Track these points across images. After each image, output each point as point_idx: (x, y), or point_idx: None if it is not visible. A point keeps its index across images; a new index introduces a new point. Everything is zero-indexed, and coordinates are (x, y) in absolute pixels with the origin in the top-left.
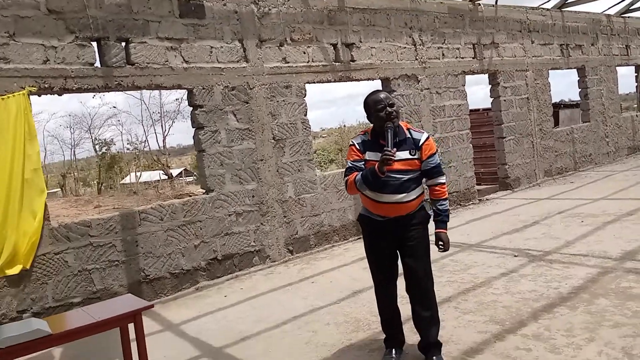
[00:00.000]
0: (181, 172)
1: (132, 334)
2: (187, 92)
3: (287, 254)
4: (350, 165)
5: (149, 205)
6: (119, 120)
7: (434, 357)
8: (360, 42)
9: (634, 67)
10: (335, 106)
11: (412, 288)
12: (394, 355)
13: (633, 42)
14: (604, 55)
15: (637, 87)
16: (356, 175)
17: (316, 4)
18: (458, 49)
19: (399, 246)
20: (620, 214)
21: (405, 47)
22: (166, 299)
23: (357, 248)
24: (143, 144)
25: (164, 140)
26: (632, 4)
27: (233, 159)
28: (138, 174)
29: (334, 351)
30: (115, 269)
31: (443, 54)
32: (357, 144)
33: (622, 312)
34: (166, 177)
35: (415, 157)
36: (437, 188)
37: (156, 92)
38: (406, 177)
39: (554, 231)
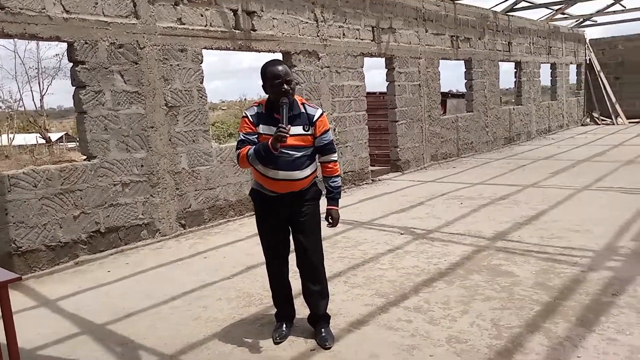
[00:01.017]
0: (62, 136)
1: None
2: (67, 46)
3: (179, 228)
4: (243, 137)
5: (20, 170)
6: None
7: (322, 329)
8: (262, 11)
9: (514, 63)
10: (236, 78)
11: (303, 263)
12: (284, 329)
13: (515, 40)
14: (489, 50)
15: (515, 82)
16: (249, 149)
17: None
18: (358, 30)
19: (290, 222)
20: (495, 198)
21: (307, 22)
22: (41, 274)
23: (252, 223)
24: (17, 102)
25: (41, 100)
26: (515, 3)
27: (119, 124)
28: (11, 136)
29: (224, 326)
30: None
31: (344, 34)
32: (251, 115)
33: (492, 287)
34: (44, 141)
35: (308, 132)
36: (329, 165)
37: (33, 44)
38: (299, 153)
39: (437, 211)
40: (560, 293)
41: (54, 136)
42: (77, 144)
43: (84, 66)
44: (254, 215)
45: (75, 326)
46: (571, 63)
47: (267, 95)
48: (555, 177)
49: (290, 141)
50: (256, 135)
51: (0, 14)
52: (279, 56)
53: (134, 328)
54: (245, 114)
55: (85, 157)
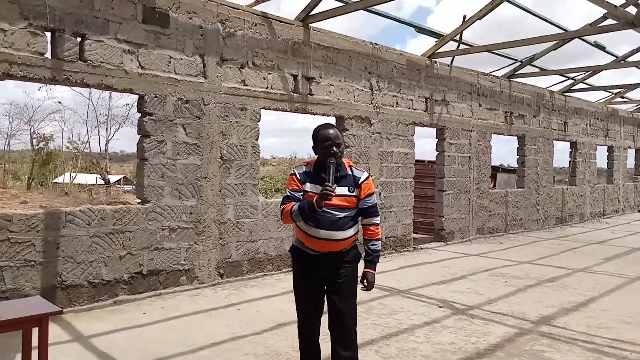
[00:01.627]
0: (120, 179)
1: (36, 341)
2: (138, 98)
3: (217, 277)
4: (289, 194)
5: (77, 208)
6: (62, 117)
7: None
8: (321, 77)
9: (569, 143)
10: (290, 136)
11: (335, 326)
12: None
13: (570, 120)
14: (544, 128)
15: (570, 162)
16: (293, 205)
17: (282, 34)
18: (411, 100)
19: (327, 282)
20: (542, 279)
21: (362, 90)
22: (80, 309)
23: (289, 279)
24: (84, 144)
25: (106, 144)
26: (573, 84)
27: (176, 173)
28: (73, 174)
29: None
30: (30, 269)
31: (397, 103)
32: (299, 173)
33: None
34: (103, 182)
35: (353, 194)
36: (371, 227)
37: (106, 93)
38: (343, 214)
39: (479, 287)
40: None
41: (112, 178)
42: (134, 187)
43: (151, 117)
44: (292, 272)
45: None
46: (629, 147)
47: (316, 156)
48: (608, 263)
49: (334, 201)
50: (302, 193)
51: (82, 65)
52: (332, 120)
53: None
54: (294, 171)
55: (139, 200)
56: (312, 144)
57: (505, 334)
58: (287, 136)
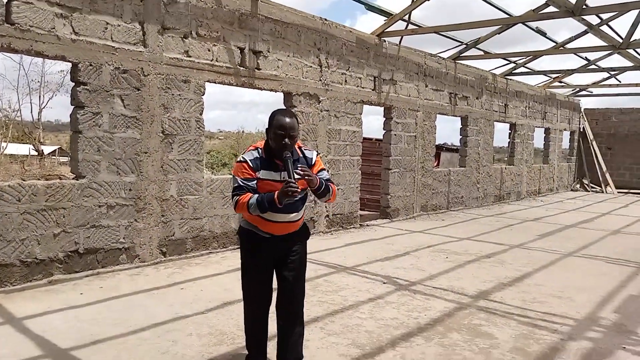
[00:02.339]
0: (55, 150)
1: None
2: (71, 66)
3: (159, 255)
4: (241, 183)
5: (6, 183)
6: None
7: None
8: (269, 51)
9: (509, 124)
10: (237, 110)
11: (286, 303)
12: None
13: (511, 103)
14: (486, 109)
15: (509, 143)
16: (250, 197)
17: (228, 4)
18: (360, 78)
19: (278, 261)
20: (480, 255)
21: (311, 66)
22: (12, 289)
23: (235, 257)
24: (15, 112)
25: (39, 113)
26: (514, 68)
27: (113, 147)
28: (3, 144)
29: None
30: None
31: (346, 80)
32: (250, 160)
33: (470, 347)
34: (36, 153)
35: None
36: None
37: (39, 59)
38: (299, 196)
39: (421, 263)
40: None
41: (47, 149)
42: (69, 160)
43: (86, 87)
44: (240, 252)
45: (38, 348)
46: (565, 129)
47: (263, 139)
48: (542, 239)
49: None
50: (255, 181)
51: (9, 29)
52: (280, 95)
53: (98, 356)
54: (244, 158)
55: (74, 175)
56: (267, 127)
57: (445, 309)
58: (234, 109)
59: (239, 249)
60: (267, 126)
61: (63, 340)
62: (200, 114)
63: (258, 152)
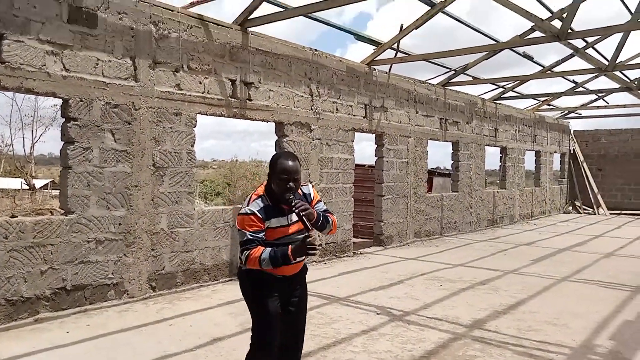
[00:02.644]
0: (47, 183)
1: None
2: (62, 102)
3: (148, 290)
4: (251, 237)
5: None
6: None
7: None
8: (260, 82)
9: (499, 148)
10: (231, 139)
11: (291, 340)
12: None
13: (501, 127)
14: (476, 134)
15: (500, 166)
16: (261, 252)
17: (219, 38)
18: (351, 106)
19: (285, 299)
20: (474, 282)
21: (302, 96)
22: None
23: (226, 290)
24: (8, 147)
25: (32, 147)
26: (503, 93)
27: (103, 181)
28: None
29: None
30: None
31: (337, 109)
32: (257, 212)
33: None
34: (27, 187)
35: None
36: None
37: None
38: (303, 234)
39: (415, 292)
40: None
41: (39, 182)
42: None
43: (76, 122)
44: (232, 283)
45: None
46: (555, 152)
47: (261, 185)
48: (536, 264)
49: (296, 226)
50: (264, 232)
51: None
52: (271, 125)
53: None
54: (251, 210)
55: (63, 211)
56: (269, 170)
57: (440, 340)
58: (228, 139)
59: (244, 293)
60: (269, 171)
61: None
62: (192, 146)
63: (263, 201)
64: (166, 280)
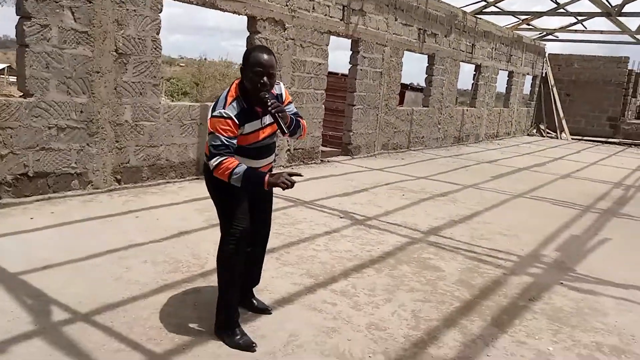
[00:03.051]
0: (4, 68)
1: None
2: None
3: (113, 182)
4: (226, 142)
5: None
6: None
7: (256, 299)
8: None
9: (474, 66)
10: (200, 35)
11: (261, 231)
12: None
13: (478, 43)
14: (453, 48)
15: (472, 85)
16: (236, 166)
17: None
18: (328, 6)
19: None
20: (435, 194)
21: None
22: None
23: (192, 188)
24: None
25: None
26: (485, 7)
27: (63, 64)
28: None
29: (145, 290)
30: None
31: (314, 7)
32: (235, 116)
33: (418, 279)
34: None
35: None
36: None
37: None
38: (274, 138)
39: (378, 200)
40: (481, 292)
41: None
42: (17, 78)
43: None
44: (198, 182)
45: None
46: (528, 74)
47: (233, 84)
48: (495, 181)
49: (268, 130)
50: (236, 139)
51: None
52: (243, 20)
53: (49, 281)
54: (228, 114)
55: (22, 94)
56: (242, 65)
57: (397, 243)
58: (196, 34)
59: (212, 187)
60: (242, 65)
61: (12, 265)
62: (157, 34)
63: (238, 104)
64: (131, 173)
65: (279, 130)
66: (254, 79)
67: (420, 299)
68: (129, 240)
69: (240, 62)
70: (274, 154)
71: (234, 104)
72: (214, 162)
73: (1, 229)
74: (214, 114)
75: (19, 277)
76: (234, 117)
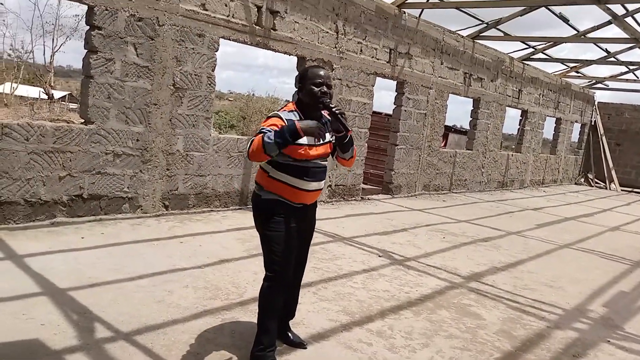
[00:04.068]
0: (65, 96)
1: None
2: (87, 9)
3: (161, 208)
4: (267, 131)
5: (15, 121)
6: (4, 21)
7: (292, 333)
8: (286, 12)
9: (521, 110)
10: (250, 72)
11: (299, 271)
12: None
13: (525, 89)
14: (499, 93)
15: (518, 130)
16: (263, 135)
17: None
18: (376, 49)
19: (300, 230)
20: (477, 238)
21: (327, 32)
22: (15, 227)
23: (235, 217)
24: (28, 54)
25: (52, 56)
26: (533, 53)
27: (123, 95)
28: (14, 85)
29: (186, 314)
30: None
31: (361, 50)
32: (285, 119)
33: (457, 325)
34: (46, 96)
35: (332, 139)
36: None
37: (54, 0)
38: (326, 162)
39: (418, 241)
40: (523, 344)
41: (57, 94)
42: (78, 106)
43: (100, 32)
44: (243, 211)
45: (37, 285)
46: (576, 121)
47: (290, 103)
48: (540, 229)
49: (321, 150)
50: None
51: None
52: (294, 61)
53: (95, 299)
54: (277, 114)
55: (83, 121)
56: (298, 86)
57: (437, 286)
58: (246, 71)
59: (261, 221)
60: (298, 86)
61: (61, 280)
62: (212, 71)
63: (294, 114)
64: (179, 200)
65: (335, 140)
66: (314, 90)
67: (459, 346)
68: (172, 265)
69: (286, 99)
70: (323, 182)
71: (288, 112)
72: (247, 145)
73: (54, 246)
74: (269, 114)
75: (67, 293)
76: (282, 117)
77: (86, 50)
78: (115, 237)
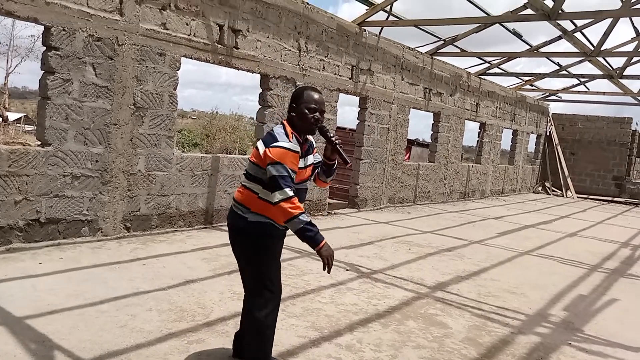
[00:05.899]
0: (20, 118)
1: None
2: (44, 30)
3: (123, 230)
4: (292, 175)
5: None
6: None
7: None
8: (248, 31)
9: (479, 123)
10: (212, 90)
11: None
12: None
13: (482, 102)
14: (458, 107)
15: (477, 142)
16: (301, 212)
17: None
18: (338, 66)
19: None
20: (441, 249)
21: (290, 50)
22: None
23: (200, 237)
24: None
25: (6, 77)
26: (489, 68)
27: (82, 116)
28: None
29: (150, 338)
30: None
31: (324, 67)
32: (299, 151)
33: (425, 335)
34: (0, 119)
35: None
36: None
37: (8, 21)
38: (307, 183)
39: (385, 253)
40: (488, 351)
41: (12, 116)
42: (35, 127)
43: (57, 53)
44: (207, 230)
45: None
46: (532, 132)
47: (284, 121)
48: (502, 237)
49: (309, 172)
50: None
51: None
52: (257, 79)
53: (54, 326)
54: (293, 149)
55: (40, 143)
56: (291, 106)
57: (404, 297)
58: (209, 89)
59: (249, 245)
60: (291, 105)
61: (18, 309)
62: (174, 89)
63: (297, 141)
64: (141, 222)
65: (323, 164)
66: (308, 115)
67: (427, 356)
68: (135, 288)
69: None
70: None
71: (294, 139)
72: (284, 194)
73: (10, 273)
74: (283, 145)
75: (25, 322)
76: (299, 152)
77: (43, 71)
78: (74, 261)
